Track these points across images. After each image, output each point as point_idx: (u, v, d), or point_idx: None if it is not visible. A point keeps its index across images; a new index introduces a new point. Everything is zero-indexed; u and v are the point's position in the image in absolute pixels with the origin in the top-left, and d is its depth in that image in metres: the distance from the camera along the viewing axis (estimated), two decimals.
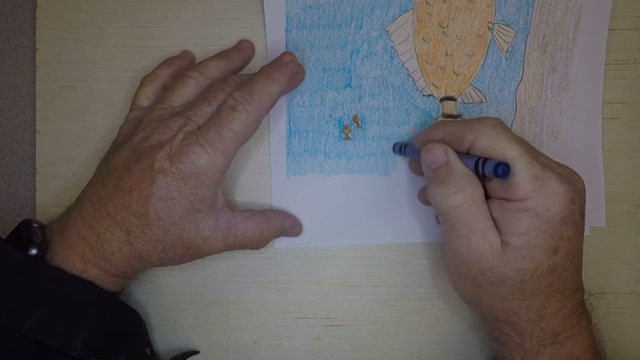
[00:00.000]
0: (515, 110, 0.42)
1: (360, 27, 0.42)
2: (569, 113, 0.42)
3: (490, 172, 0.32)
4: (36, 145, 0.43)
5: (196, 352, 0.42)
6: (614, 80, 0.43)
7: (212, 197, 0.36)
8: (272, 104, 0.37)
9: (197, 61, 0.42)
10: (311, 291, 0.42)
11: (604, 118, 0.43)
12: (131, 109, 0.40)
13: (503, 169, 0.31)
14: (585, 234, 0.41)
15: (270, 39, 0.42)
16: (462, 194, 0.33)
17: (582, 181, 0.34)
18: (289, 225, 0.41)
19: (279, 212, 0.42)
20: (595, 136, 0.42)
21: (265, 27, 0.42)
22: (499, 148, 0.32)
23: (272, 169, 0.42)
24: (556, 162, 0.34)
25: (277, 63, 0.38)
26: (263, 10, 0.42)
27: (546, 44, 0.42)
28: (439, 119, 0.42)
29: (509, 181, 0.32)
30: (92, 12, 0.43)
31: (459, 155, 0.35)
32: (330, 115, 0.43)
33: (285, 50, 0.42)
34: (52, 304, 0.34)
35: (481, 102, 0.42)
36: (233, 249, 0.38)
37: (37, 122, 0.43)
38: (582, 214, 0.34)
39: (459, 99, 0.42)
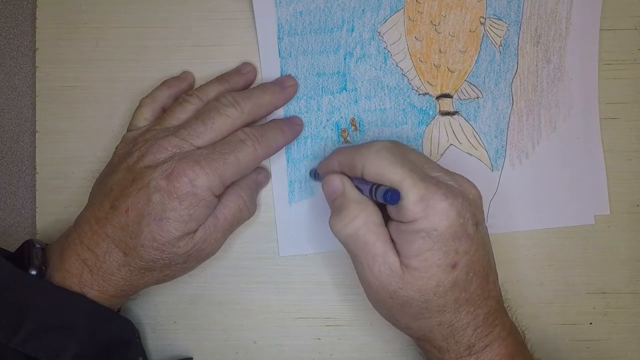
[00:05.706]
0: (512, 104, 0.42)
1: (352, 30, 0.42)
2: (566, 103, 0.42)
3: (382, 199, 0.32)
4: (36, 145, 0.43)
5: (189, 359, 0.42)
6: (614, 80, 0.43)
7: (205, 217, 0.36)
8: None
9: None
10: (311, 291, 0.42)
11: (604, 118, 0.43)
12: (128, 129, 0.40)
13: (392, 196, 0.31)
14: (589, 223, 0.42)
15: (263, 47, 0.42)
16: (356, 221, 0.33)
17: (475, 189, 0.34)
18: (257, 175, 0.41)
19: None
20: (593, 124, 0.42)
21: (257, 35, 0.42)
22: (384, 173, 0.33)
23: (273, 177, 0.42)
24: (450, 173, 0.34)
25: (290, 121, 0.41)
26: (254, 19, 0.42)
27: (539, 36, 0.42)
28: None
29: (399, 204, 0.32)
30: (92, 12, 0.43)
31: (358, 181, 0.35)
32: (327, 120, 0.42)
33: (278, 57, 0.42)
34: (42, 317, 0.33)
35: (477, 98, 0.42)
36: (231, 231, 0.39)
37: (37, 122, 0.43)
38: (477, 223, 0.33)
39: (455, 96, 0.42)
